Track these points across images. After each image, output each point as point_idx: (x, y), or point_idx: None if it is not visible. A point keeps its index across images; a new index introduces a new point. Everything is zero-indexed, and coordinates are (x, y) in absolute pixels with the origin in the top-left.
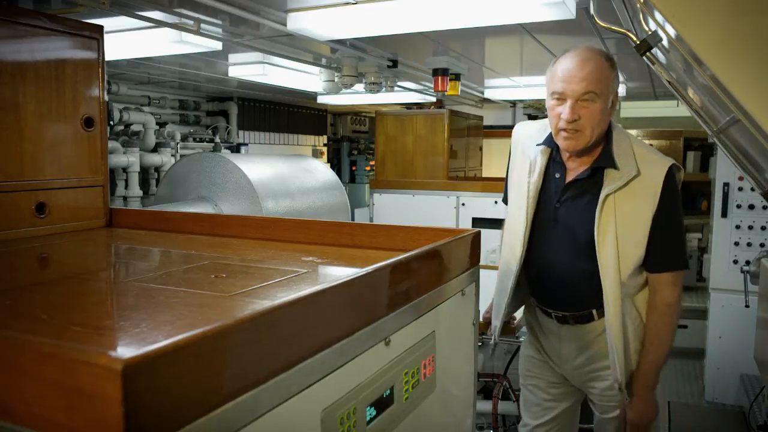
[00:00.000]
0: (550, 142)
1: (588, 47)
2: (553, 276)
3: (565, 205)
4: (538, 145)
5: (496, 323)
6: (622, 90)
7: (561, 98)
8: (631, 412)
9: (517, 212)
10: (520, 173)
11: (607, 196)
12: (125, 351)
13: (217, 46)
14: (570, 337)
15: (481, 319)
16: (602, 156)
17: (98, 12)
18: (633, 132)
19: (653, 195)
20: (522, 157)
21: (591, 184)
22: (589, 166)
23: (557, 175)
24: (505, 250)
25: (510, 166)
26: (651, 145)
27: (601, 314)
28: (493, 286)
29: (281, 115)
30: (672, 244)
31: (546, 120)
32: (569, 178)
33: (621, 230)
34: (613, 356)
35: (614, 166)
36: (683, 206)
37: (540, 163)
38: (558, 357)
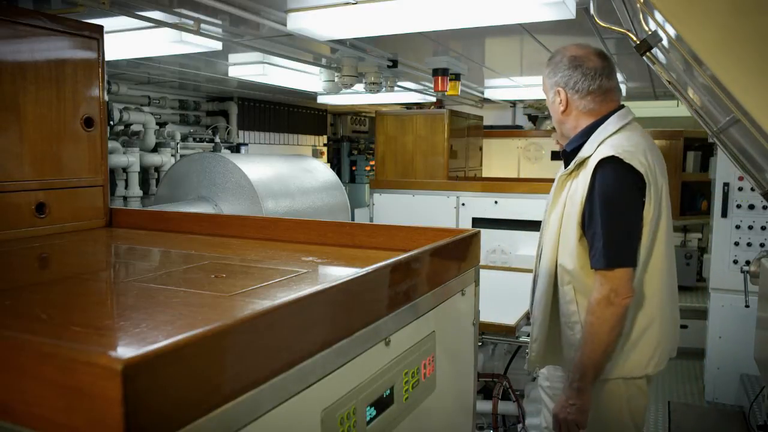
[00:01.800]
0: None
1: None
2: (536, 270)
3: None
4: None
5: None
6: (622, 90)
7: None
8: (554, 405)
9: None
10: None
11: (563, 177)
12: (125, 351)
13: (217, 46)
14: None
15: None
16: (568, 143)
17: (98, 12)
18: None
19: (585, 182)
20: None
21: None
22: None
23: None
24: None
25: None
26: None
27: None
28: (493, 286)
29: (281, 115)
30: (595, 239)
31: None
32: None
33: (566, 212)
34: (532, 329)
35: (571, 150)
36: (684, 206)
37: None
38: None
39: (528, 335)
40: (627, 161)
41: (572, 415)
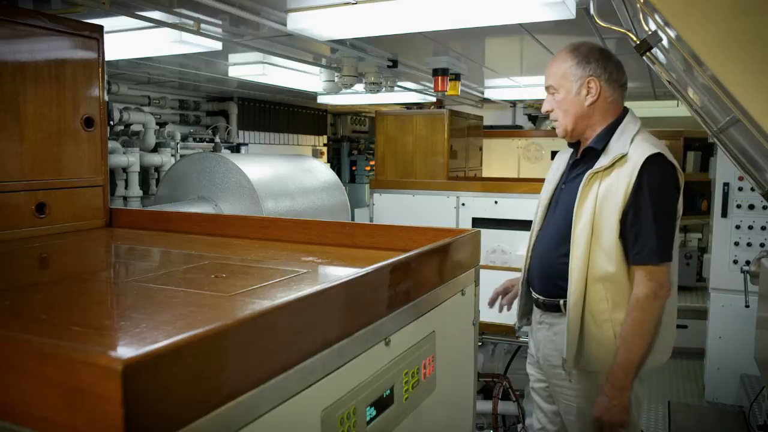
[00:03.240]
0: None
1: (566, 45)
2: (543, 257)
3: (566, 186)
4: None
5: (520, 314)
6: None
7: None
8: (595, 407)
9: (539, 202)
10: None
11: (592, 174)
12: (125, 351)
13: (217, 46)
14: (544, 326)
15: (500, 289)
16: (594, 139)
17: (98, 12)
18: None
19: (629, 180)
20: (557, 157)
21: (586, 168)
22: (584, 146)
23: (571, 161)
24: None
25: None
26: None
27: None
28: (493, 286)
29: (281, 115)
30: (643, 235)
31: None
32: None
33: (600, 209)
34: (569, 334)
35: (601, 147)
36: (684, 206)
37: (568, 155)
38: (535, 345)
39: (527, 335)
40: (670, 159)
41: (617, 416)
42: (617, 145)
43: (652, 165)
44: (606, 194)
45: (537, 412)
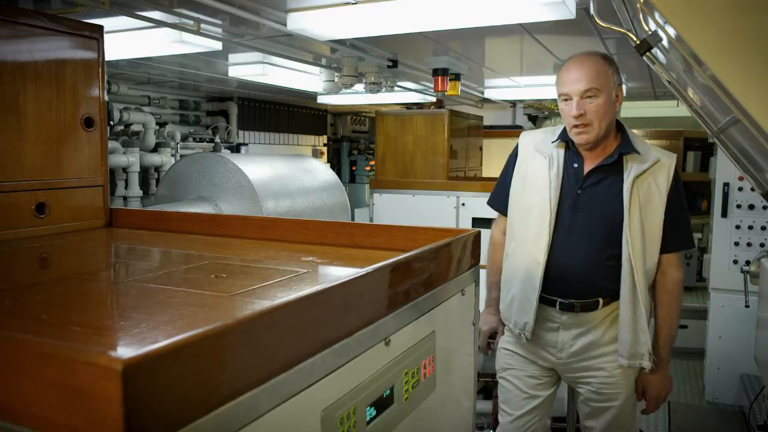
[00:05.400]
0: (565, 135)
1: (586, 51)
2: (572, 263)
3: (587, 191)
4: (553, 141)
5: (527, 320)
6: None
7: (568, 98)
8: (652, 388)
9: (536, 205)
10: (535, 171)
11: (635, 178)
12: (125, 351)
13: (217, 46)
14: (570, 325)
15: (484, 328)
16: (624, 143)
17: (98, 12)
18: (633, 132)
19: (667, 179)
20: (533, 157)
21: (614, 169)
22: (614, 150)
23: (575, 165)
24: (523, 244)
25: (515, 170)
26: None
27: (607, 302)
28: None
29: (281, 115)
30: (682, 224)
31: (550, 128)
32: (589, 166)
33: (645, 207)
34: (624, 334)
35: (636, 151)
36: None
37: (559, 155)
38: (554, 346)
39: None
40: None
41: (670, 386)
42: (642, 149)
43: (676, 166)
44: (648, 194)
45: (519, 401)
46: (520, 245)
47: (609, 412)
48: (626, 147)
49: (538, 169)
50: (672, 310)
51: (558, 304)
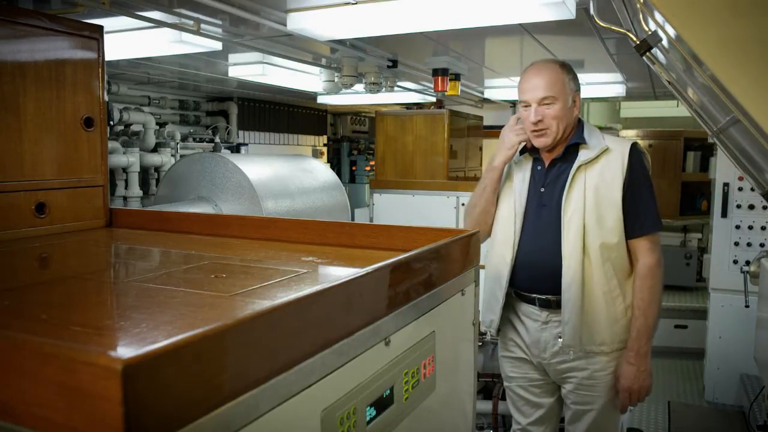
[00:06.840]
0: (524, 149)
1: (545, 60)
2: (540, 257)
3: (549, 187)
4: (521, 155)
5: (493, 317)
6: (621, 90)
7: (527, 105)
8: (624, 379)
9: (505, 211)
10: (508, 183)
11: (579, 166)
12: (125, 351)
13: (217, 46)
14: (551, 323)
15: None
16: (574, 136)
17: (98, 12)
18: (632, 132)
19: (621, 164)
20: (508, 173)
21: (568, 164)
22: (563, 146)
23: (539, 168)
24: (494, 247)
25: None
26: (650, 145)
27: None
28: None
29: (281, 115)
30: (645, 208)
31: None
32: (548, 164)
33: (592, 195)
34: (566, 312)
35: (584, 141)
36: (684, 206)
37: (526, 165)
38: (537, 345)
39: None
40: (641, 148)
41: (645, 381)
42: (593, 141)
43: (635, 151)
44: (599, 180)
45: (528, 408)
46: (491, 250)
47: (589, 415)
48: (574, 139)
49: (510, 180)
50: (645, 297)
51: (536, 300)
